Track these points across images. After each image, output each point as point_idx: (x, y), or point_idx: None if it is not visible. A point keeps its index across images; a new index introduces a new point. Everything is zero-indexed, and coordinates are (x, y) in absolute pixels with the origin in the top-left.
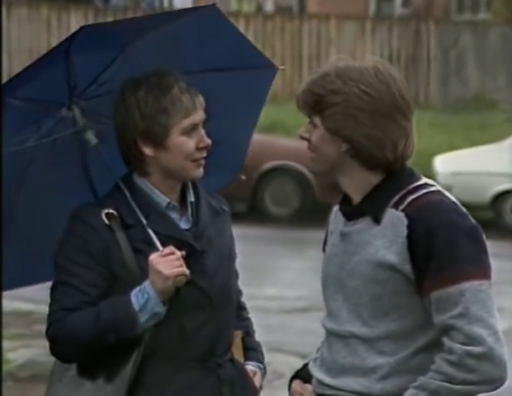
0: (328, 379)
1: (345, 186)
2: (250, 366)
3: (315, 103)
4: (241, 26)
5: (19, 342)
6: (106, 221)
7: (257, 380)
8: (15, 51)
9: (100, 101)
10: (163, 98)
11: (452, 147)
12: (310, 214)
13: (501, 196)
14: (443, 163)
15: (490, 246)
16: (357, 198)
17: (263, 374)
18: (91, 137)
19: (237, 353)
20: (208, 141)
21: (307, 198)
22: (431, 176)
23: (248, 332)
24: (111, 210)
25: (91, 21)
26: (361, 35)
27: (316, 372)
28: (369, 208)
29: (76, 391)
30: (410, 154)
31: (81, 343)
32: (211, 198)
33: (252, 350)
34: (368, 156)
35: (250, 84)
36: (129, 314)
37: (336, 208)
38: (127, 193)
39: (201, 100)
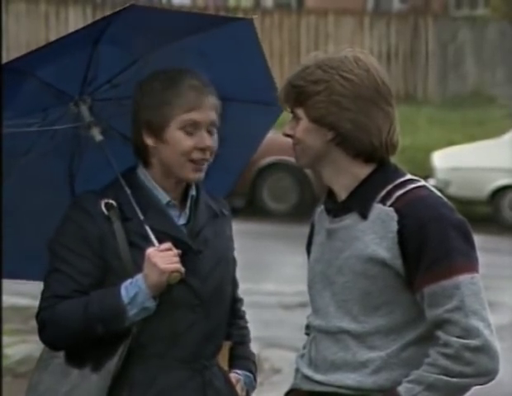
0: (318, 376)
1: (331, 182)
2: (234, 374)
3: (297, 95)
4: None
5: (17, 338)
6: (105, 211)
7: (239, 388)
8: (13, 46)
9: (106, 105)
10: (169, 90)
11: (451, 142)
12: (308, 210)
13: (500, 191)
14: (442, 159)
15: (489, 241)
16: (342, 194)
17: (252, 384)
18: (96, 134)
19: (222, 362)
20: (208, 143)
21: (305, 193)
22: (429, 171)
23: (243, 342)
24: (110, 201)
25: (89, 16)
26: (359, 30)
27: (304, 368)
28: (356, 203)
29: (62, 379)
30: (396, 144)
31: (68, 332)
32: (212, 200)
33: (243, 359)
34: (354, 141)
35: (257, 120)
36: (117, 306)
37: (320, 209)
38: (127, 188)
39: (212, 102)
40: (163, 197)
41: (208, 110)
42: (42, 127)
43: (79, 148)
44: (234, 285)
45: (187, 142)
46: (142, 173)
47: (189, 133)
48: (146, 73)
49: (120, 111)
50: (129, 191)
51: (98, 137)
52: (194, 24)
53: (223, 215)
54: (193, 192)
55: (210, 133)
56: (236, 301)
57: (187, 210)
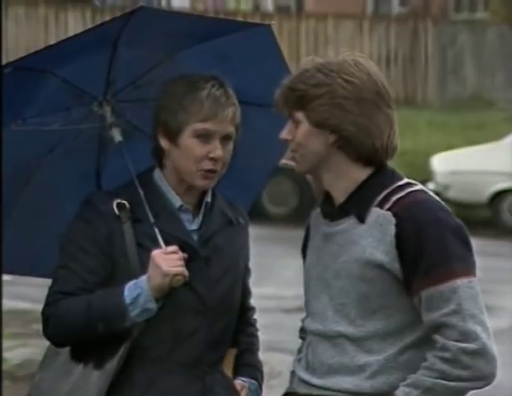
0: (315, 380)
1: (330, 185)
2: (240, 381)
3: (298, 99)
4: None
5: (16, 341)
6: (116, 210)
7: (243, 395)
8: (12, 50)
9: (129, 107)
10: (187, 96)
11: (450, 146)
12: (307, 214)
13: (499, 195)
14: (441, 162)
15: (489, 245)
16: (340, 198)
17: (257, 392)
18: (116, 134)
19: (227, 369)
20: (220, 154)
21: (305, 197)
22: (429, 175)
23: (251, 350)
24: (123, 201)
25: (88, 20)
26: (359, 34)
27: (301, 372)
28: (353, 207)
29: (64, 378)
30: (395, 147)
31: (71, 329)
32: (229, 208)
33: (249, 366)
34: (357, 144)
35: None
36: (119, 306)
37: (316, 212)
38: (140, 189)
39: (230, 114)
40: (176, 201)
41: (224, 122)
42: (64, 126)
43: (105, 147)
44: (247, 293)
45: (199, 150)
46: (157, 175)
47: (202, 141)
48: (170, 74)
49: (145, 112)
50: (142, 193)
51: (118, 138)
52: (215, 28)
53: (238, 224)
54: (208, 199)
55: (223, 144)
56: (248, 310)
57: (201, 216)
